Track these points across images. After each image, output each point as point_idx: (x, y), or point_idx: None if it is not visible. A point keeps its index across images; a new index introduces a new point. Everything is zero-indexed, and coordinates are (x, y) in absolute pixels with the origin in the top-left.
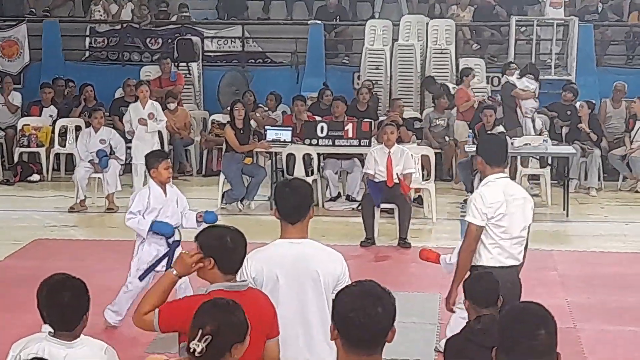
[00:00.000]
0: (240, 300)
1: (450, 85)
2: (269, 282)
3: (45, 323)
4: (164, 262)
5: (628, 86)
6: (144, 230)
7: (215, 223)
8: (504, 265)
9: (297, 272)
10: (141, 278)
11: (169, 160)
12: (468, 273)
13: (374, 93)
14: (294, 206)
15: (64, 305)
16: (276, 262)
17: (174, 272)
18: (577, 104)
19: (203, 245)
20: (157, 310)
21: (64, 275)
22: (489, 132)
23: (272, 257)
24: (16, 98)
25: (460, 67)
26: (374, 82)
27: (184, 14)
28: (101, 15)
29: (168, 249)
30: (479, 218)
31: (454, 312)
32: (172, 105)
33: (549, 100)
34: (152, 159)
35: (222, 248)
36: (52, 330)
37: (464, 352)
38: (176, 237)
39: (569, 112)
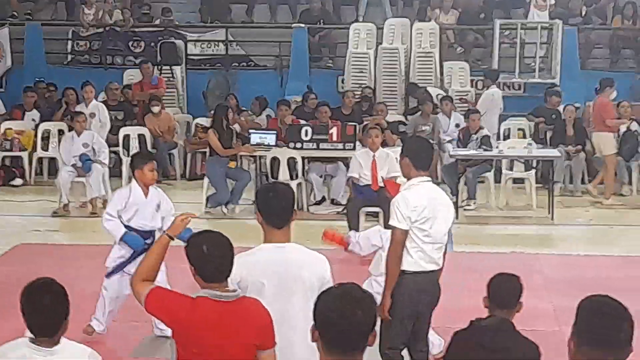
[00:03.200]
0: (226, 310)
1: (435, 91)
2: (254, 287)
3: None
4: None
5: None
6: (117, 237)
7: (201, 230)
8: (425, 270)
9: (283, 276)
10: (107, 276)
11: (155, 162)
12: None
13: (370, 98)
14: (278, 210)
15: (44, 310)
16: (261, 267)
17: (167, 234)
18: (562, 108)
19: (186, 253)
20: (148, 289)
21: (45, 279)
22: (473, 135)
23: (258, 262)
24: None
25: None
26: (364, 86)
27: (167, 17)
28: (90, 19)
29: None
30: (404, 222)
31: (389, 319)
32: (156, 109)
33: (534, 103)
34: (138, 160)
35: (199, 257)
36: (32, 337)
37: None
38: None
39: (553, 116)
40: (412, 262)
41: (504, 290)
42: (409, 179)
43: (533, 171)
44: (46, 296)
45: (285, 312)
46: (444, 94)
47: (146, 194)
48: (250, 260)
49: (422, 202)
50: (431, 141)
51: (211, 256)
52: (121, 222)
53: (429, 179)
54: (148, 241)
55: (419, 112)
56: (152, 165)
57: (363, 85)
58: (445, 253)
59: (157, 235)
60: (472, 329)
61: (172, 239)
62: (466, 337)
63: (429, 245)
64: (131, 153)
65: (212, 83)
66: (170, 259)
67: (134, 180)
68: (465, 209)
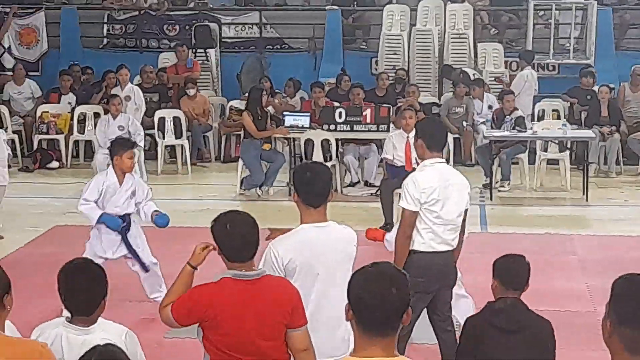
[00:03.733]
0: (250, 289)
1: (470, 72)
2: (302, 269)
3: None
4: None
5: None
6: (94, 219)
7: (168, 225)
8: (436, 251)
9: (329, 255)
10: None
11: (134, 150)
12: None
13: (404, 80)
14: (315, 189)
15: (82, 289)
16: (307, 249)
17: (189, 263)
18: (596, 88)
19: (211, 231)
20: (169, 306)
21: (84, 259)
22: (507, 116)
23: (304, 243)
24: (32, 85)
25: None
26: (397, 68)
27: (202, 0)
28: (120, 2)
29: (120, 235)
30: (412, 204)
31: None
32: (191, 92)
33: (568, 84)
34: (117, 147)
35: (222, 234)
36: (69, 316)
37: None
38: (125, 226)
39: (588, 97)
40: (422, 242)
41: (513, 271)
42: (423, 160)
43: (567, 152)
44: (82, 276)
45: (335, 288)
46: (478, 76)
47: (121, 182)
48: (297, 240)
49: (432, 184)
50: (465, 123)
51: (234, 234)
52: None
53: (443, 160)
54: (123, 224)
55: (452, 94)
56: (131, 153)
57: (397, 67)
58: (462, 233)
59: (132, 219)
60: (486, 311)
61: (195, 269)
62: (481, 319)
63: (440, 227)
64: (166, 135)
65: (246, 66)
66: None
67: (110, 167)
68: (499, 190)
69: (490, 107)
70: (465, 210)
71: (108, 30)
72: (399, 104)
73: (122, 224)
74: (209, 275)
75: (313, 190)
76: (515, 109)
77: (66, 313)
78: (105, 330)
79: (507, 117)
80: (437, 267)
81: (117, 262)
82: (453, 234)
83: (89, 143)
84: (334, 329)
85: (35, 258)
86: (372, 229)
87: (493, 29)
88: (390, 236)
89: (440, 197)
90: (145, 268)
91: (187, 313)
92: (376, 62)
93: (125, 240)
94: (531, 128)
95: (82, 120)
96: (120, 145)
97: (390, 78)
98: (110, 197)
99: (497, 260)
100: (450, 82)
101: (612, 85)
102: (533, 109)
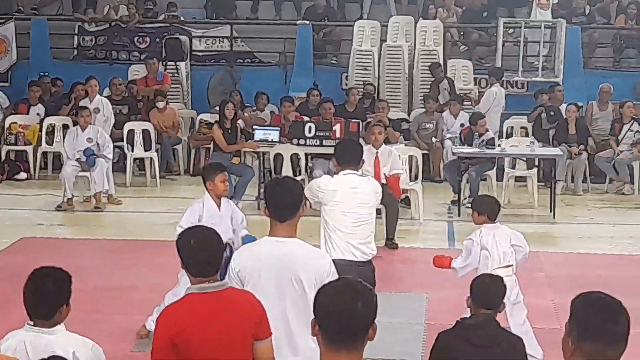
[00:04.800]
0: (213, 301)
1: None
2: (251, 279)
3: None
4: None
5: (614, 88)
6: None
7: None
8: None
9: (281, 271)
10: None
11: (226, 172)
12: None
13: (373, 95)
14: (284, 204)
15: (44, 292)
16: (260, 260)
17: None
18: (564, 106)
19: (177, 246)
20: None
21: (50, 267)
22: (476, 137)
23: (257, 254)
24: (1, 96)
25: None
26: (366, 82)
27: (172, 13)
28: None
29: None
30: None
31: None
32: (161, 104)
33: (536, 102)
34: (209, 171)
35: (186, 250)
36: (31, 322)
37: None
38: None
39: (552, 113)
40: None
41: (488, 291)
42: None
43: (535, 170)
44: (46, 279)
45: (283, 306)
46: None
47: (219, 206)
48: (251, 252)
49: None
50: (434, 139)
51: (198, 249)
52: None
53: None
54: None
55: (422, 108)
56: (223, 176)
57: (365, 82)
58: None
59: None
60: (458, 327)
61: None
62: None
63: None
64: (135, 148)
65: (214, 80)
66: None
67: (206, 194)
68: (467, 207)
69: (462, 125)
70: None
71: (78, 41)
72: (369, 120)
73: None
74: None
75: (280, 204)
76: (486, 130)
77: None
78: (68, 335)
79: (476, 140)
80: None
81: (88, 273)
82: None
83: (57, 155)
84: (290, 339)
85: (1, 269)
86: (439, 257)
87: (463, 46)
88: (457, 264)
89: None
90: None
91: (161, 342)
92: (346, 77)
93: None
94: (499, 145)
95: (51, 132)
96: (212, 170)
97: (359, 93)
98: (213, 225)
99: (475, 280)
100: (420, 96)
101: (580, 104)
102: (501, 126)
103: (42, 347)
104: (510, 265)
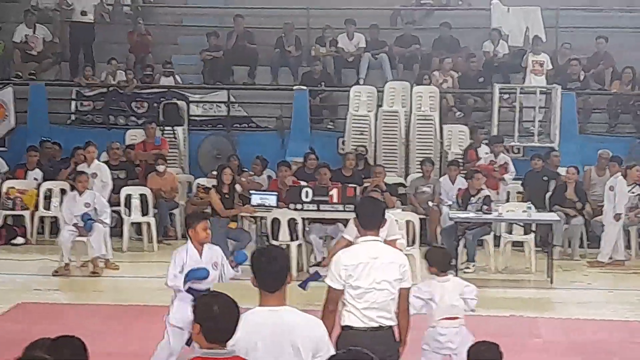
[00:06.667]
0: None
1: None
2: (247, 351)
3: None
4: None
5: (611, 154)
6: (180, 284)
7: (246, 260)
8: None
9: (276, 340)
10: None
11: (208, 221)
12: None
13: (365, 157)
14: (271, 275)
15: None
16: (254, 331)
17: None
18: (561, 170)
19: (194, 310)
20: None
21: (69, 336)
22: (472, 196)
23: (251, 326)
24: None
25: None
26: (358, 145)
27: (169, 69)
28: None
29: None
30: (336, 281)
31: None
32: (161, 168)
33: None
34: (192, 219)
35: (207, 316)
36: None
37: None
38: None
39: (545, 178)
40: (347, 317)
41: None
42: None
43: (532, 235)
44: (67, 350)
45: None
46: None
47: (201, 253)
48: (245, 322)
49: (354, 261)
50: (430, 203)
51: (220, 316)
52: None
53: (376, 238)
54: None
55: (420, 174)
56: (205, 224)
57: (357, 145)
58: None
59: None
60: None
61: None
62: None
63: (361, 303)
64: (132, 213)
65: (205, 144)
66: None
67: (188, 241)
68: (464, 272)
69: (459, 189)
70: (405, 289)
71: (76, 106)
72: (366, 184)
73: (208, 273)
74: None
75: (268, 275)
76: (482, 188)
77: None
78: None
79: (473, 197)
80: (363, 345)
81: (86, 339)
82: (378, 312)
83: (54, 219)
84: None
85: None
86: None
87: (459, 112)
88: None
89: (362, 274)
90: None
91: None
92: (343, 142)
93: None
94: (496, 210)
95: (49, 197)
96: (193, 218)
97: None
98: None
99: (471, 347)
100: (417, 161)
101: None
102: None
103: None
104: (456, 318)
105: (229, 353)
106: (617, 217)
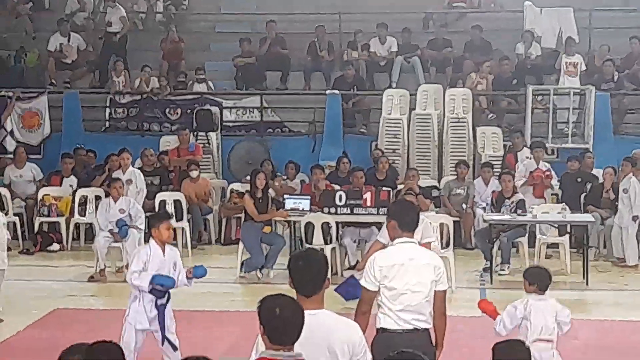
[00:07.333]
0: None
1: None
2: None
3: None
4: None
5: None
6: (146, 285)
7: (204, 276)
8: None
9: (313, 344)
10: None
11: (171, 221)
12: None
13: (390, 163)
14: (309, 279)
15: None
16: None
17: None
18: (596, 171)
19: (258, 311)
20: None
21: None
22: (507, 199)
23: None
24: (34, 169)
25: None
26: (391, 150)
27: (200, 76)
28: (121, 86)
29: (157, 312)
30: (371, 282)
31: None
32: (194, 173)
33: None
34: (155, 220)
35: (269, 318)
36: None
37: None
38: (163, 300)
39: (579, 180)
40: (383, 319)
41: (512, 358)
42: (393, 240)
43: (567, 236)
44: (102, 356)
45: None
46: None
47: (164, 252)
48: None
49: (388, 263)
50: (465, 205)
51: (281, 319)
52: None
53: (412, 240)
54: (163, 300)
55: (454, 175)
56: (168, 224)
57: (394, 149)
58: (443, 316)
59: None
60: None
61: None
62: None
63: (396, 305)
64: None
65: (237, 150)
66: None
67: (151, 240)
68: (499, 274)
69: (493, 192)
70: (441, 291)
71: (110, 113)
72: (399, 188)
73: (174, 282)
74: None
75: (305, 279)
76: (515, 192)
77: None
78: None
79: (507, 200)
80: (398, 347)
81: None
82: (411, 315)
83: (89, 226)
84: None
85: (34, 342)
86: (485, 301)
87: (491, 114)
88: (499, 327)
89: (397, 275)
90: (173, 346)
91: None
92: (376, 146)
93: (161, 317)
94: (531, 212)
95: (83, 203)
96: (156, 218)
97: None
98: (157, 270)
99: (497, 345)
100: (451, 164)
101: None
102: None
103: None
104: (550, 340)
105: (294, 356)
106: (634, 218)
